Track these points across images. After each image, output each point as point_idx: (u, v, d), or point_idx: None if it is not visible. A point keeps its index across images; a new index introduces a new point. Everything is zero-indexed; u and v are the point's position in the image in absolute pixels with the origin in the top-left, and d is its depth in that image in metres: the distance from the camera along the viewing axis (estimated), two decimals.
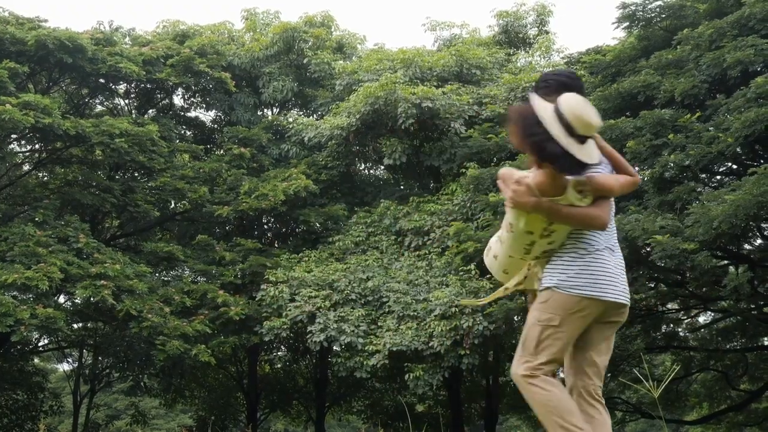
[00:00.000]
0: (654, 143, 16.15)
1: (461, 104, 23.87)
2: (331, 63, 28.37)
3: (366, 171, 30.28)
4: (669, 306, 21.11)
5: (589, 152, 4.31)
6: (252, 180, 25.55)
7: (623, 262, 4.68)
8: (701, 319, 25.49)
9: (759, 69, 16.31)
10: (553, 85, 4.71)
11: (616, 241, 4.71)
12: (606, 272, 4.51)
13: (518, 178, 4.35)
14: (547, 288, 4.50)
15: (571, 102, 4.28)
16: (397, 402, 29.85)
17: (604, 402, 4.66)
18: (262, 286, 22.96)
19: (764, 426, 26.19)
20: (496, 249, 4.71)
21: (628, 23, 19.92)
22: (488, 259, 4.83)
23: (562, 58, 26.52)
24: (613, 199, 4.61)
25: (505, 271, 4.73)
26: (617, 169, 4.66)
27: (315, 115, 29.85)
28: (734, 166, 17.99)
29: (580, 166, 4.26)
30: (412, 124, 23.62)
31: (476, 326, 19.65)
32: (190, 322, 21.96)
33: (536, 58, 28.46)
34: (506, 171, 4.48)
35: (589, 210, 4.40)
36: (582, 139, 4.25)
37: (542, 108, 4.30)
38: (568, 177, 4.32)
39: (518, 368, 4.47)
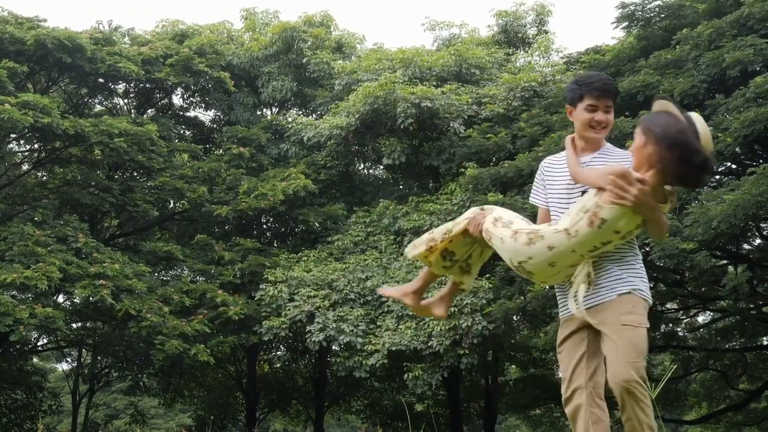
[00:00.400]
0: None
1: (460, 104, 23.87)
2: (331, 63, 28.36)
3: (365, 171, 30.28)
4: (668, 306, 21.12)
5: None
6: (251, 180, 25.55)
7: None
8: (700, 319, 25.51)
9: (758, 69, 16.33)
10: (614, 90, 4.83)
11: None
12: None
13: (641, 177, 4.33)
14: (630, 292, 4.58)
15: (703, 123, 4.36)
16: (396, 402, 29.84)
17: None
18: (261, 286, 22.95)
19: (763, 425, 26.19)
20: (555, 240, 4.53)
21: (627, 23, 19.92)
22: (533, 247, 4.59)
23: (562, 57, 26.53)
24: None
25: (551, 264, 4.60)
26: None
27: (314, 115, 29.84)
28: (733, 166, 18.01)
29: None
30: (411, 124, 23.61)
31: (475, 326, 19.66)
32: (189, 322, 21.96)
33: (535, 57, 28.46)
34: (625, 169, 4.40)
35: (664, 217, 4.45)
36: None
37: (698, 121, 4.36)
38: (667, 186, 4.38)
39: (635, 374, 4.43)
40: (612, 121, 4.79)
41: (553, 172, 4.89)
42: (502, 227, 4.68)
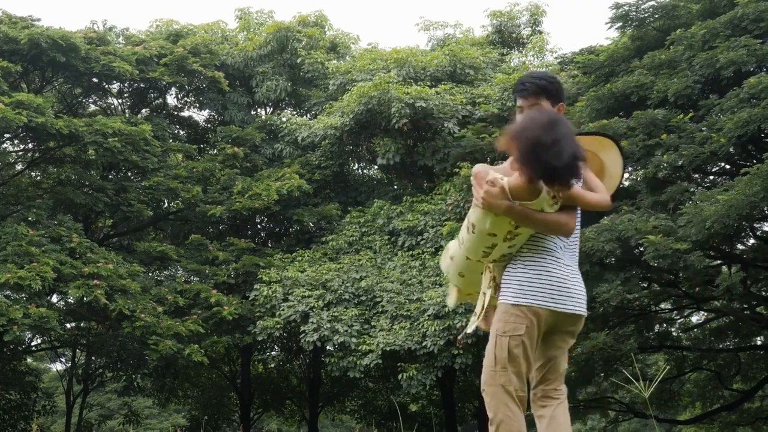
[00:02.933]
0: (647, 143, 16.15)
1: (455, 104, 23.89)
2: (325, 63, 28.37)
3: (359, 171, 30.28)
4: (662, 306, 21.12)
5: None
6: (245, 180, 25.55)
7: (579, 274, 4.66)
8: (694, 319, 25.49)
9: (752, 69, 16.32)
10: (531, 88, 4.70)
11: (576, 252, 4.68)
12: (562, 282, 4.50)
13: (492, 178, 4.28)
14: (506, 299, 4.49)
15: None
16: (391, 402, 29.86)
17: (562, 398, 4.73)
18: (255, 286, 22.96)
19: (757, 425, 26.21)
20: (453, 250, 4.65)
21: (621, 23, 19.90)
22: (444, 261, 4.76)
23: (556, 58, 26.57)
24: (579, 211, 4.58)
25: (461, 273, 4.68)
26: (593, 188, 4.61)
27: (308, 115, 29.84)
28: (727, 166, 18.01)
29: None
30: (406, 124, 23.62)
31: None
32: (183, 322, 21.96)
33: (530, 58, 28.50)
34: (480, 169, 4.41)
35: (559, 216, 4.39)
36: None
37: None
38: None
39: (492, 379, 4.46)
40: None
41: None
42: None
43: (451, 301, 5.13)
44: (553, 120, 4.27)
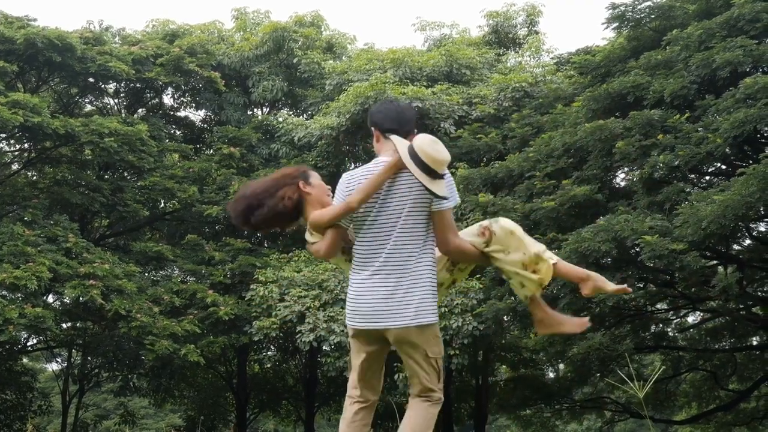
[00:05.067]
0: (643, 144, 16.17)
1: (451, 104, 23.87)
2: (321, 63, 28.35)
3: None
4: (658, 306, 21.15)
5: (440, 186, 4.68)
6: (242, 180, 25.50)
7: (395, 282, 4.75)
8: (690, 320, 25.55)
9: (748, 70, 16.35)
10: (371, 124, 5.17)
11: (398, 255, 4.77)
12: (351, 298, 4.83)
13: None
14: None
15: (422, 141, 4.73)
16: (386, 402, 29.84)
17: (427, 396, 4.86)
18: (251, 286, 22.92)
19: (753, 426, 26.27)
20: None
21: (617, 24, 19.93)
22: None
23: (552, 58, 26.58)
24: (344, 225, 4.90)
25: None
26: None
27: (305, 115, 29.82)
28: (723, 167, 18.04)
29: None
30: None
31: (465, 326, 19.63)
32: (180, 322, 21.94)
33: (526, 58, 28.49)
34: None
35: (314, 246, 4.94)
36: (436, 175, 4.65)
37: (400, 144, 4.74)
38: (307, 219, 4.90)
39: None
40: (374, 147, 5.13)
41: None
42: None
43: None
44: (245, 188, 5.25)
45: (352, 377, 4.93)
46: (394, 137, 4.80)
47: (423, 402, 4.82)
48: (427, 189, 4.62)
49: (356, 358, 4.90)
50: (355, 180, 4.81)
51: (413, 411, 4.83)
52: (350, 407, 4.91)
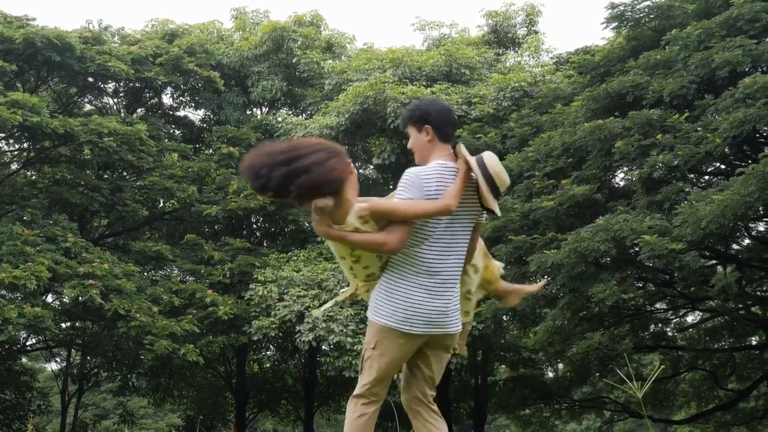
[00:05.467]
0: (642, 143, 16.17)
1: (450, 104, 23.87)
2: (321, 62, 28.34)
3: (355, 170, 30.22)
4: (657, 306, 21.15)
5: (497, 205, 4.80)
6: (241, 179, 25.51)
7: (457, 288, 4.81)
8: (689, 319, 25.53)
9: (747, 69, 16.34)
10: (402, 122, 5.02)
11: (458, 265, 4.81)
12: (414, 305, 4.66)
13: (320, 205, 4.44)
14: (368, 313, 4.78)
15: (493, 160, 4.69)
16: (386, 401, 29.84)
17: (437, 409, 4.99)
18: (250, 286, 22.93)
19: (752, 425, 26.27)
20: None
21: (616, 23, 19.93)
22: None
23: (551, 58, 26.57)
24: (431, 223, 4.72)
25: (368, 291, 4.93)
26: None
27: (304, 115, 29.81)
28: (722, 167, 18.03)
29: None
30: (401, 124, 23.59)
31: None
32: (179, 322, 21.93)
33: (525, 58, 28.47)
34: (317, 201, 4.52)
35: (374, 235, 4.54)
36: (498, 195, 4.75)
37: (471, 158, 4.69)
38: (354, 204, 4.51)
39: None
40: (410, 146, 5.01)
41: None
42: None
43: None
44: (269, 146, 4.55)
45: (376, 378, 4.81)
46: (464, 149, 4.75)
47: (439, 414, 4.98)
48: (488, 206, 4.72)
49: (400, 361, 4.84)
50: (432, 179, 4.68)
51: (442, 425, 4.94)
52: (369, 407, 4.92)
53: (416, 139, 4.92)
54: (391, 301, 4.65)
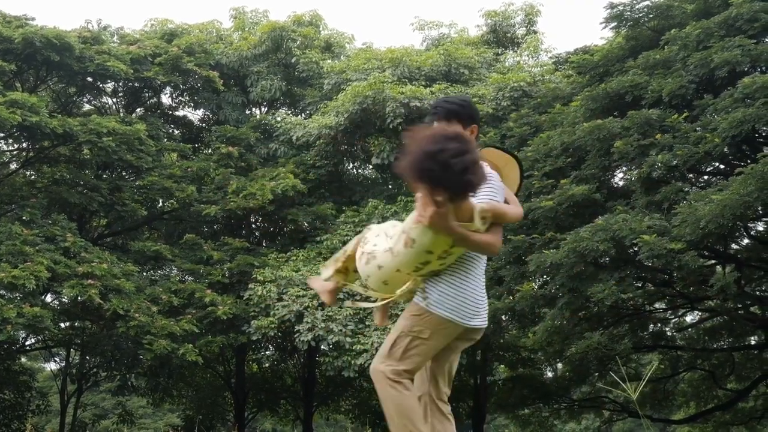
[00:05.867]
0: (641, 143, 16.18)
1: None
2: (320, 62, 28.36)
3: (354, 170, 30.25)
4: (656, 305, 21.14)
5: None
6: (240, 179, 25.52)
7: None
8: (688, 319, 25.51)
9: (746, 69, 16.35)
10: (441, 112, 4.91)
11: (483, 264, 4.91)
12: (475, 299, 4.74)
13: (440, 200, 4.34)
14: (424, 303, 4.70)
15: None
16: None
17: (449, 410, 5.01)
18: (249, 286, 22.94)
19: (751, 425, 26.27)
20: (383, 260, 4.71)
21: (615, 23, 19.94)
22: (368, 267, 4.82)
23: (550, 57, 26.59)
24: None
25: (385, 282, 4.77)
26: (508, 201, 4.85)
27: (303, 115, 29.81)
28: (721, 166, 18.03)
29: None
30: (400, 124, 23.61)
31: None
32: (178, 322, 21.92)
33: (524, 57, 28.50)
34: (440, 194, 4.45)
35: (489, 237, 4.54)
36: None
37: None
38: (475, 203, 4.43)
39: (382, 367, 4.72)
40: None
41: None
42: (360, 250, 4.90)
43: (325, 274, 5.28)
44: (441, 135, 4.36)
45: (417, 366, 4.81)
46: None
47: (450, 412, 5.02)
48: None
49: (438, 351, 4.87)
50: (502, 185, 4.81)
51: (451, 428, 4.97)
52: (411, 388, 4.86)
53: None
54: (458, 295, 4.68)
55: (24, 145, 26.21)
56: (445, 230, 4.38)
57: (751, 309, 20.05)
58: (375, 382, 4.73)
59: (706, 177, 18.70)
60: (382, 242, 4.77)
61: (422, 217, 4.37)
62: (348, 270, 5.20)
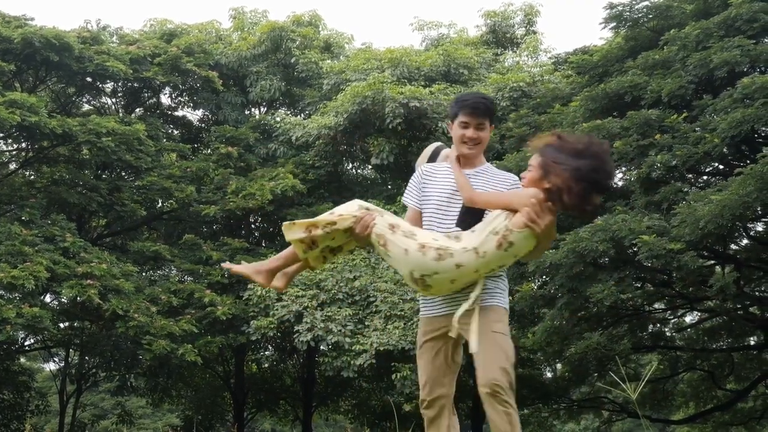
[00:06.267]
0: (641, 143, 16.18)
1: (449, 104, 23.84)
2: (319, 62, 28.36)
3: (353, 170, 30.25)
4: (655, 306, 21.14)
5: None
6: (239, 179, 25.52)
7: None
8: (688, 319, 25.51)
9: (745, 69, 16.35)
10: (483, 109, 4.96)
11: None
12: None
13: (552, 207, 4.47)
14: (503, 306, 4.77)
15: None
16: (384, 401, 29.82)
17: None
18: (249, 286, 22.91)
19: (750, 425, 26.26)
20: (462, 258, 4.53)
21: (615, 23, 19.94)
22: (441, 264, 4.57)
23: (550, 58, 26.60)
24: None
25: (452, 281, 4.64)
26: None
27: (302, 115, 29.81)
28: (721, 167, 18.03)
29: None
30: (400, 124, 23.62)
31: None
32: (177, 322, 21.92)
33: (524, 58, 28.50)
34: (542, 197, 4.51)
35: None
36: None
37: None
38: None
39: (502, 377, 4.56)
40: (485, 138, 4.94)
41: (433, 179, 5.03)
42: (404, 237, 4.72)
43: (290, 236, 4.97)
44: (608, 150, 4.61)
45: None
46: None
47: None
48: None
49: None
50: None
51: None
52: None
53: (488, 134, 5.01)
54: (506, 289, 4.87)
55: (23, 145, 26.22)
56: (548, 239, 4.49)
57: (751, 309, 20.04)
58: (496, 400, 4.58)
59: (705, 177, 18.70)
60: (445, 239, 4.64)
61: (536, 225, 4.39)
62: (315, 244, 4.85)
